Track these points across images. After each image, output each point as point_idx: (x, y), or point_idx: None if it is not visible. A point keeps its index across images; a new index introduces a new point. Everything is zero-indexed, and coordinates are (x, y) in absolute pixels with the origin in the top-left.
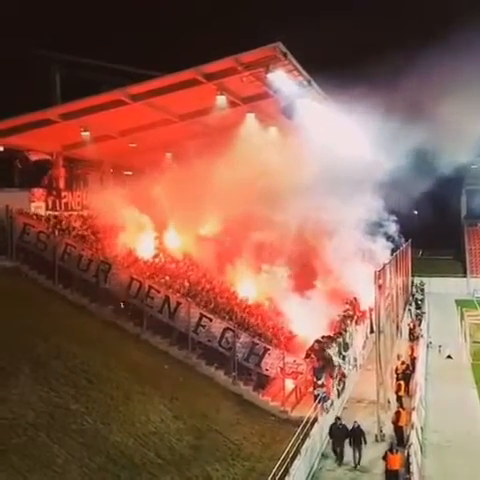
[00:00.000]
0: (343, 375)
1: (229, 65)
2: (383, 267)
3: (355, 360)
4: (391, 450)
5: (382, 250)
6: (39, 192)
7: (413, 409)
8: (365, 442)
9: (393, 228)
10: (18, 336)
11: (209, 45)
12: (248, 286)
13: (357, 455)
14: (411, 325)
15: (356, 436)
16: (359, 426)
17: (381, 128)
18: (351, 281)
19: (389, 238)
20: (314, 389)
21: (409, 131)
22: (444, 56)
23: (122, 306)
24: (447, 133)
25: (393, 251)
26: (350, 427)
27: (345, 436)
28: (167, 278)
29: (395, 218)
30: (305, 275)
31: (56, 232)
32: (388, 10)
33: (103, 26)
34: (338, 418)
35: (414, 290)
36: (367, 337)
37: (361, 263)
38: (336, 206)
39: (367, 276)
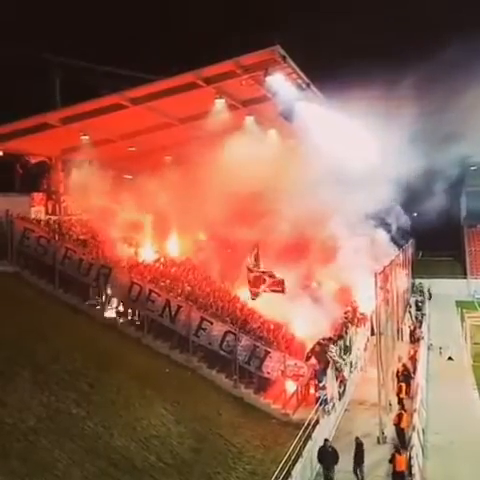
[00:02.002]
0: (343, 378)
1: (228, 68)
2: (383, 269)
3: (356, 363)
4: (399, 451)
5: (386, 249)
6: (39, 196)
7: (414, 411)
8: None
9: (399, 225)
10: (18, 340)
11: (208, 48)
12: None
13: (360, 475)
14: (412, 327)
15: (359, 453)
16: (362, 443)
17: (384, 130)
18: (353, 282)
19: (392, 238)
20: (315, 391)
21: (413, 132)
22: (448, 59)
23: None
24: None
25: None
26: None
27: (335, 460)
28: (168, 282)
29: (403, 218)
30: (305, 276)
31: (56, 236)
32: (388, 11)
33: (102, 30)
34: (327, 440)
35: (428, 291)
36: (368, 339)
37: (364, 263)
38: (337, 207)
39: (369, 277)
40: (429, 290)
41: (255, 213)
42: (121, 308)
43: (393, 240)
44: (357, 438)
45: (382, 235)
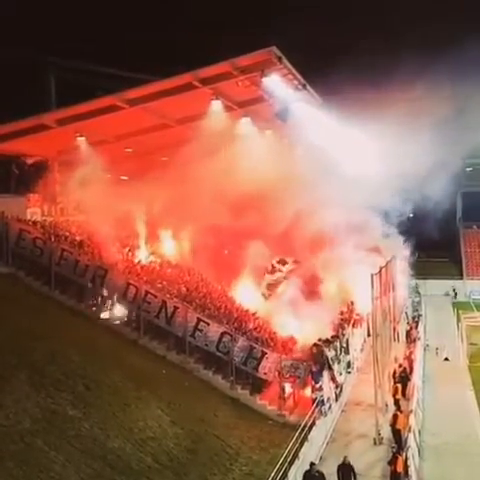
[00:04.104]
0: (337, 383)
1: (224, 69)
2: (380, 270)
3: (352, 363)
4: (399, 453)
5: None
6: (35, 198)
7: (411, 412)
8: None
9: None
10: (14, 342)
11: (205, 49)
12: (246, 290)
13: None
14: (408, 327)
15: (345, 472)
16: (349, 462)
17: (380, 131)
18: (351, 282)
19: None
20: (312, 392)
21: (412, 133)
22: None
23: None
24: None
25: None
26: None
27: None
28: (164, 283)
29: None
30: (304, 276)
31: (52, 238)
32: (387, 11)
33: (99, 31)
34: (313, 464)
35: (453, 290)
36: (365, 340)
37: (362, 263)
38: (333, 205)
39: (366, 277)
40: (454, 290)
41: (251, 213)
42: (117, 309)
43: (393, 237)
44: (345, 457)
45: (382, 231)
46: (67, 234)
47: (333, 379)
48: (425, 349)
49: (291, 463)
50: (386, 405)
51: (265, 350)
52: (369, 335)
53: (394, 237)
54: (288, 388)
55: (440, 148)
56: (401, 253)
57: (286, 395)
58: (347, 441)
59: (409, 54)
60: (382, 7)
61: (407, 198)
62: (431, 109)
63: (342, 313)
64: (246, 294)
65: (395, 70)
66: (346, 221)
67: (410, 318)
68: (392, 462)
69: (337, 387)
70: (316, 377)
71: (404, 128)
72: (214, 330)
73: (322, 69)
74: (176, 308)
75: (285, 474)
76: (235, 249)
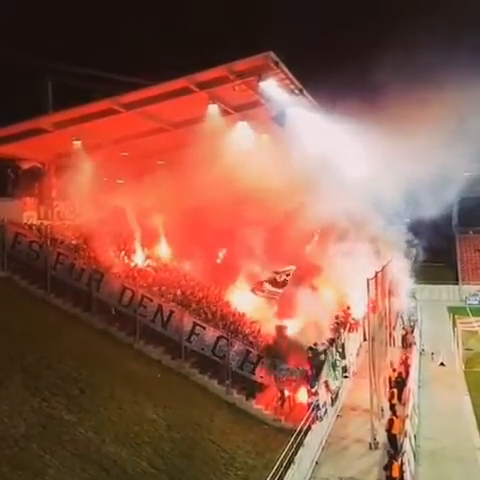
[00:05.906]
0: (331, 390)
1: (221, 74)
2: (375, 274)
3: (348, 368)
4: (395, 458)
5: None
6: (31, 201)
7: (406, 416)
8: None
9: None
10: (9, 346)
11: (201, 53)
12: (241, 293)
13: None
14: (403, 332)
15: None
16: None
17: (378, 140)
18: (348, 286)
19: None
20: (308, 397)
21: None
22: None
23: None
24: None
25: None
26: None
27: None
28: (163, 288)
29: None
30: (301, 278)
31: (48, 241)
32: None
33: (96, 35)
34: None
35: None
36: (360, 345)
37: (359, 267)
38: (329, 206)
39: (363, 281)
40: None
41: (248, 214)
42: (113, 313)
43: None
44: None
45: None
46: (63, 238)
47: (327, 386)
48: (421, 354)
49: (287, 468)
50: (382, 410)
51: (261, 354)
52: (365, 340)
53: (395, 237)
54: (285, 392)
55: (447, 154)
56: (401, 255)
57: (282, 400)
58: (343, 446)
59: (410, 56)
60: (381, 8)
61: (407, 201)
62: (435, 113)
63: (337, 317)
64: (242, 297)
65: (395, 73)
66: (344, 220)
67: (406, 323)
68: (388, 467)
69: (332, 393)
70: (312, 381)
71: (405, 131)
72: (210, 334)
73: (320, 74)
74: (172, 312)
75: (281, 479)
76: (231, 251)
